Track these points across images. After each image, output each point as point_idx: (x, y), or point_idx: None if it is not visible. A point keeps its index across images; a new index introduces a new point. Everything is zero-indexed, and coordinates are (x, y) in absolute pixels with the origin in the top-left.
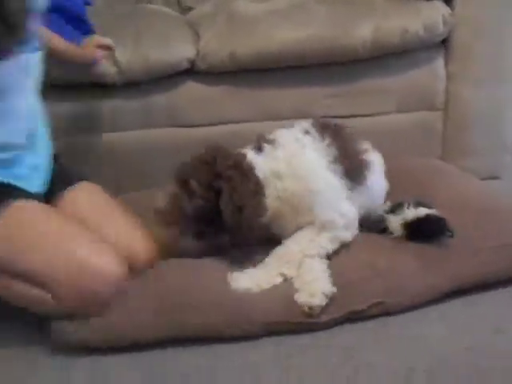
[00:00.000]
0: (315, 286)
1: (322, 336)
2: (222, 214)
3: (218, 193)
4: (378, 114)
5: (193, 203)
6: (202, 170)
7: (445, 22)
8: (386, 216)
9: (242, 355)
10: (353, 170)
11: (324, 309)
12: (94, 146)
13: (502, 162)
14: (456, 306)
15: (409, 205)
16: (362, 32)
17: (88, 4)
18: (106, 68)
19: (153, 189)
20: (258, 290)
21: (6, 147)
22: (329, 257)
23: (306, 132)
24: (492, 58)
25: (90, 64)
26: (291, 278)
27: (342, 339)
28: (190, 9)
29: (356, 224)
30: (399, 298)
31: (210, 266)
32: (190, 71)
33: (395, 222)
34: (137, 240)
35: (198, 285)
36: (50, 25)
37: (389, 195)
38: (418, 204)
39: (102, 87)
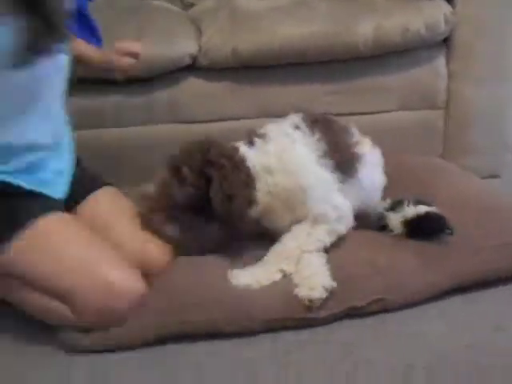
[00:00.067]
0: (315, 279)
1: (320, 332)
2: (212, 202)
3: (209, 181)
4: (379, 112)
5: (183, 190)
6: (195, 158)
7: (446, 21)
8: (386, 213)
9: (240, 351)
10: (343, 163)
11: (323, 304)
12: (96, 141)
13: (502, 161)
14: (456, 303)
15: (409, 202)
16: (364, 30)
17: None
18: None
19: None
20: (257, 286)
21: (33, 147)
22: (329, 253)
23: (296, 127)
24: (493, 56)
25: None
26: (290, 274)
27: (341, 335)
28: (192, 5)
29: (350, 216)
30: (399, 295)
31: (211, 263)
32: (192, 67)
33: (395, 220)
34: (152, 244)
35: (200, 282)
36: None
37: (389, 193)
38: (418, 202)
39: (103, 83)
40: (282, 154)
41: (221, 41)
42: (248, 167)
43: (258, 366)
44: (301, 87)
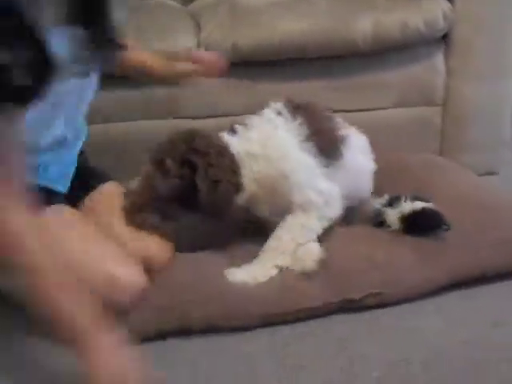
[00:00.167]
0: (307, 252)
1: (317, 326)
2: (198, 189)
3: (194, 169)
4: (377, 108)
5: (167, 182)
6: (179, 149)
7: (445, 18)
8: (384, 209)
9: (238, 346)
10: (327, 147)
11: (320, 295)
12: (94, 136)
13: (500, 158)
14: (453, 299)
15: (406, 198)
16: (363, 26)
17: None
18: None
19: None
20: (254, 283)
21: (50, 147)
22: (327, 248)
23: (278, 113)
24: (492, 53)
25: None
26: (286, 268)
27: (337, 330)
28: (191, 0)
29: (338, 200)
30: (396, 289)
31: (210, 260)
32: None
33: (392, 216)
34: (153, 241)
35: (200, 279)
36: None
37: (387, 189)
38: (416, 198)
39: (103, 78)
40: (264, 141)
41: (220, 36)
42: (232, 154)
43: (256, 360)
44: (300, 83)
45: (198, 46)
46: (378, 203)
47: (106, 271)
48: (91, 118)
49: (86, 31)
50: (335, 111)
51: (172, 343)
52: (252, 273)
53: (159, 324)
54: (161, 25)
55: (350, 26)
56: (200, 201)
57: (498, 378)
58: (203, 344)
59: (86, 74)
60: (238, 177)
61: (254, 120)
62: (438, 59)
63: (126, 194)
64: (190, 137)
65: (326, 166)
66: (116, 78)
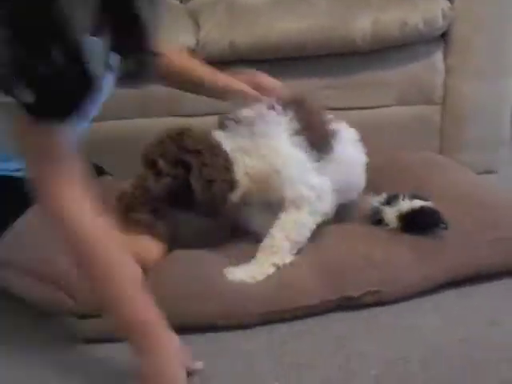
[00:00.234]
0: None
1: (314, 324)
2: (193, 189)
3: (187, 169)
4: (377, 106)
5: (160, 182)
6: (169, 148)
7: (444, 16)
8: (382, 208)
9: (236, 343)
10: (318, 141)
11: (319, 292)
12: (92, 134)
13: (499, 157)
14: (450, 297)
15: (404, 197)
16: (362, 24)
17: None
18: None
19: None
20: (253, 282)
21: None
22: (324, 246)
23: (270, 107)
24: (491, 52)
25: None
26: (283, 266)
27: (335, 328)
28: None
29: (329, 194)
30: (394, 287)
31: (207, 258)
32: None
33: (391, 214)
34: (145, 239)
35: (197, 277)
36: None
37: (386, 188)
38: (414, 196)
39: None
40: (255, 135)
41: (218, 35)
42: (225, 151)
43: (254, 358)
44: (298, 81)
45: (197, 44)
46: (376, 201)
47: None
48: None
49: (117, 39)
50: (334, 109)
51: None
52: (250, 272)
53: None
54: None
55: (349, 25)
56: (194, 200)
57: (496, 376)
58: (201, 342)
59: (121, 84)
60: (232, 174)
61: (244, 115)
62: (438, 58)
63: (119, 195)
64: (180, 135)
65: (317, 160)
66: None
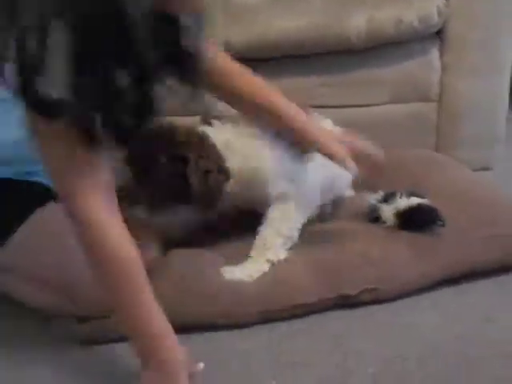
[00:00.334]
0: None
1: (312, 323)
2: (190, 182)
3: (183, 163)
4: (372, 104)
5: (157, 178)
6: (163, 144)
7: (439, 13)
8: (379, 205)
9: (234, 342)
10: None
11: (316, 290)
12: None
13: (494, 154)
14: (448, 294)
15: (401, 194)
16: (357, 22)
17: None
18: None
19: None
20: (250, 280)
21: None
22: (321, 244)
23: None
24: (487, 49)
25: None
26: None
27: (333, 326)
28: None
29: (314, 189)
30: (391, 285)
31: (205, 257)
32: None
33: (388, 212)
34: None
35: (195, 276)
36: None
37: (383, 185)
38: (411, 194)
39: None
40: (238, 133)
41: (213, 33)
42: (214, 144)
43: (251, 357)
44: (294, 80)
45: None
46: (373, 199)
47: None
48: None
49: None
50: (330, 107)
51: None
52: (246, 270)
53: None
54: None
55: (343, 23)
56: (191, 194)
57: (491, 373)
58: (199, 342)
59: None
60: (226, 164)
61: (228, 113)
62: (433, 55)
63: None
64: (171, 131)
65: (300, 156)
66: None
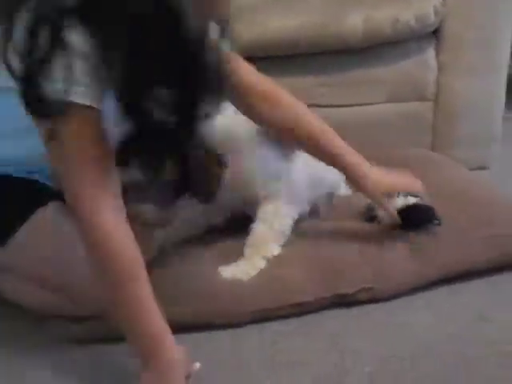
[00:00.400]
0: None
1: (308, 322)
2: (190, 174)
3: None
4: (369, 103)
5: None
6: None
7: (436, 12)
8: (376, 204)
9: (229, 342)
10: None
11: (312, 290)
12: None
13: (491, 153)
14: (442, 294)
15: (398, 193)
16: (354, 21)
17: None
18: None
19: None
20: (247, 277)
21: None
22: (318, 243)
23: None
24: (483, 48)
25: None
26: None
27: (329, 326)
28: None
29: (302, 187)
30: (387, 284)
31: (203, 257)
32: None
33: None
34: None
35: (191, 275)
36: None
37: None
38: (408, 193)
39: None
40: (225, 134)
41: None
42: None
43: (247, 356)
44: (291, 79)
45: None
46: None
47: None
48: None
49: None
50: (326, 107)
51: None
52: (242, 269)
53: None
54: None
55: (340, 22)
56: (191, 188)
57: (486, 372)
58: (196, 341)
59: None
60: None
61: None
62: (430, 54)
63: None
64: None
65: (287, 155)
66: None
